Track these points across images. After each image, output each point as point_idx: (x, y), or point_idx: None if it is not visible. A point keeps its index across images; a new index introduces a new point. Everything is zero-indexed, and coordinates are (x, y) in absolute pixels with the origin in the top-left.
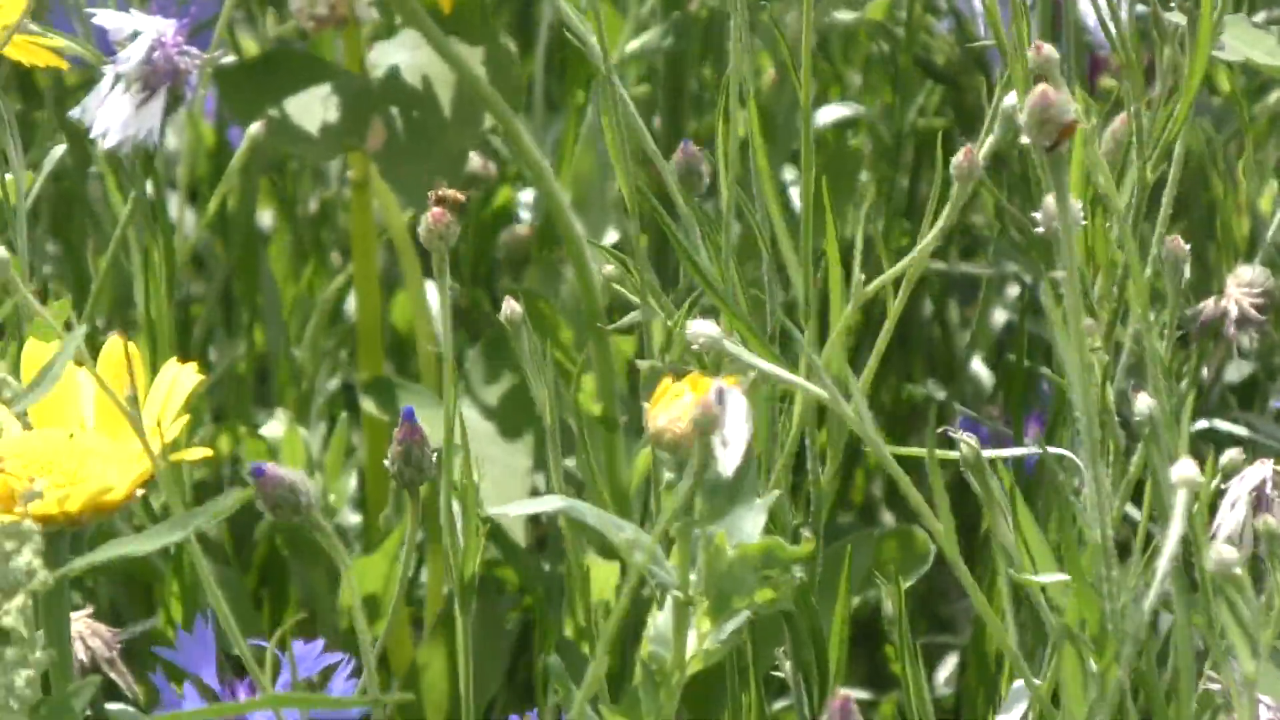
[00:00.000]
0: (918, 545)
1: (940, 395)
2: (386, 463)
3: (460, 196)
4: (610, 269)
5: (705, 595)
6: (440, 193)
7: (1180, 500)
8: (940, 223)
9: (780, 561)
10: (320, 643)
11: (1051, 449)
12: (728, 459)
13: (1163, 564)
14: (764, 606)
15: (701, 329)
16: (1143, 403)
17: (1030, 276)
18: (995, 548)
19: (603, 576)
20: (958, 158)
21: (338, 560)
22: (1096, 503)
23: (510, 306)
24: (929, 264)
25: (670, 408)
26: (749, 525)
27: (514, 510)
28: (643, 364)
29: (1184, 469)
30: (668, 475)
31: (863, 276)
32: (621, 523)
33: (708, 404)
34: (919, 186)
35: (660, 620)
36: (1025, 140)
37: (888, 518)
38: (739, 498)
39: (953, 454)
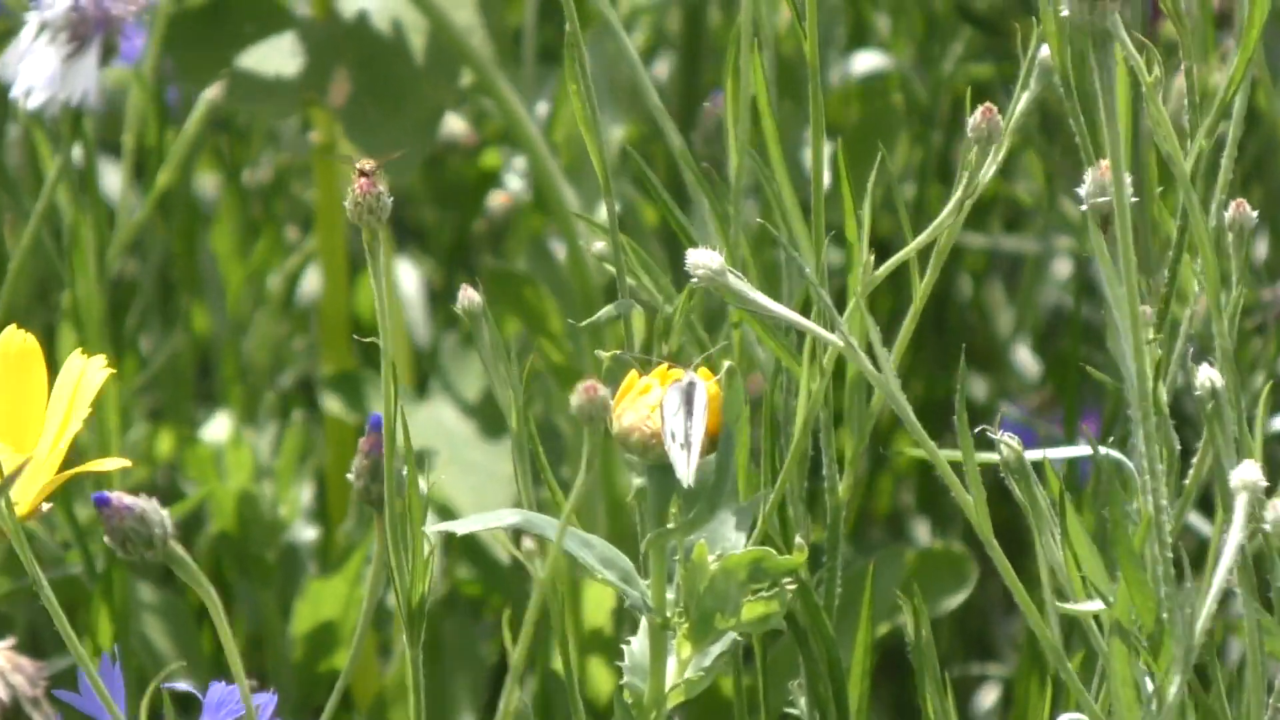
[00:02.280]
0: (959, 564)
1: (981, 389)
2: (350, 475)
3: (373, 165)
4: (601, 245)
5: (685, 616)
6: (362, 164)
7: (1239, 504)
8: (961, 191)
9: (770, 574)
10: (243, 685)
11: (1103, 451)
12: (682, 463)
13: (1219, 574)
14: (752, 626)
15: (701, 259)
16: (1205, 374)
17: (1084, 251)
18: (1041, 559)
19: (595, 599)
20: (975, 117)
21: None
22: (1154, 512)
23: (467, 296)
24: (967, 238)
25: (637, 404)
26: (732, 534)
27: (462, 526)
28: (603, 355)
29: (1246, 471)
30: (636, 481)
31: (871, 257)
32: (589, 538)
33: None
34: (954, 146)
35: (636, 646)
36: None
37: (921, 532)
38: (720, 503)
39: (993, 456)
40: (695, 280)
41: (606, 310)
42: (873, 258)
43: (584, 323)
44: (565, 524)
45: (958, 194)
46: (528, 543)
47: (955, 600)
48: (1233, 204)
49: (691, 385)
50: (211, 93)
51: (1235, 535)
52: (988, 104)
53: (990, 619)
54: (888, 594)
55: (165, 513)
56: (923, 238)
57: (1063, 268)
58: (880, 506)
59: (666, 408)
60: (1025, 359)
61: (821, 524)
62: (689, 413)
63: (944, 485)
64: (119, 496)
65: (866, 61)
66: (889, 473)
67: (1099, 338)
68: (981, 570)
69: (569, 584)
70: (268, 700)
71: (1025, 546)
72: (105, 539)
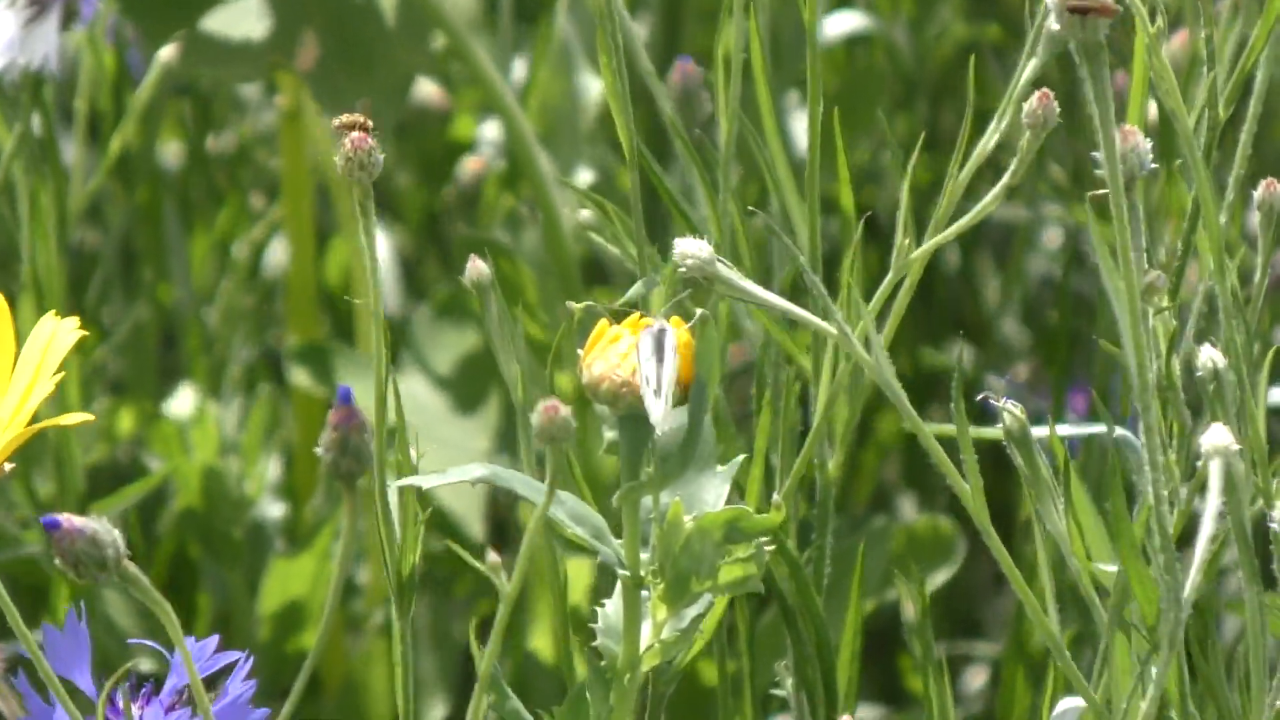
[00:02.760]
0: (944, 538)
1: (967, 360)
2: (319, 449)
3: (368, 123)
4: (586, 214)
5: (660, 576)
6: (350, 119)
7: (1215, 471)
8: (1007, 177)
9: (747, 534)
10: (214, 639)
11: (1098, 426)
12: (656, 408)
13: (1201, 542)
14: (729, 588)
15: (689, 248)
16: (1206, 355)
17: (1074, 221)
18: (1039, 536)
19: (574, 575)
20: (1031, 103)
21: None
22: (1154, 485)
23: (476, 267)
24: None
25: (607, 353)
26: (709, 494)
27: (428, 482)
28: (574, 305)
29: (1216, 435)
30: (607, 434)
31: (908, 241)
32: (560, 494)
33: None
34: (942, 114)
35: (610, 607)
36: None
37: (905, 507)
38: (693, 457)
39: (987, 431)
40: (683, 271)
41: (636, 288)
42: (860, 233)
43: (619, 302)
44: (551, 491)
45: (1004, 180)
46: (492, 556)
47: (942, 577)
48: (1263, 184)
49: (663, 331)
50: (167, 54)
51: (1213, 503)
52: (1044, 90)
53: (977, 597)
54: (874, 571)
55: (117, 533)
56: (965, 221)
57: (1053, 237)
58: (864, 480)
59: (641, 352)
60: (1013, 330)
61: (809, 500)
62: (660, 358)
63: (929, 459)
64: (69, 519)
65: (846, 22)
66: (873, 445)
67: (1089, 310)
68: (968, 547)
69: (549, 563)
70: (241, 661)
71: (1011, 523)
72: (56, 563)
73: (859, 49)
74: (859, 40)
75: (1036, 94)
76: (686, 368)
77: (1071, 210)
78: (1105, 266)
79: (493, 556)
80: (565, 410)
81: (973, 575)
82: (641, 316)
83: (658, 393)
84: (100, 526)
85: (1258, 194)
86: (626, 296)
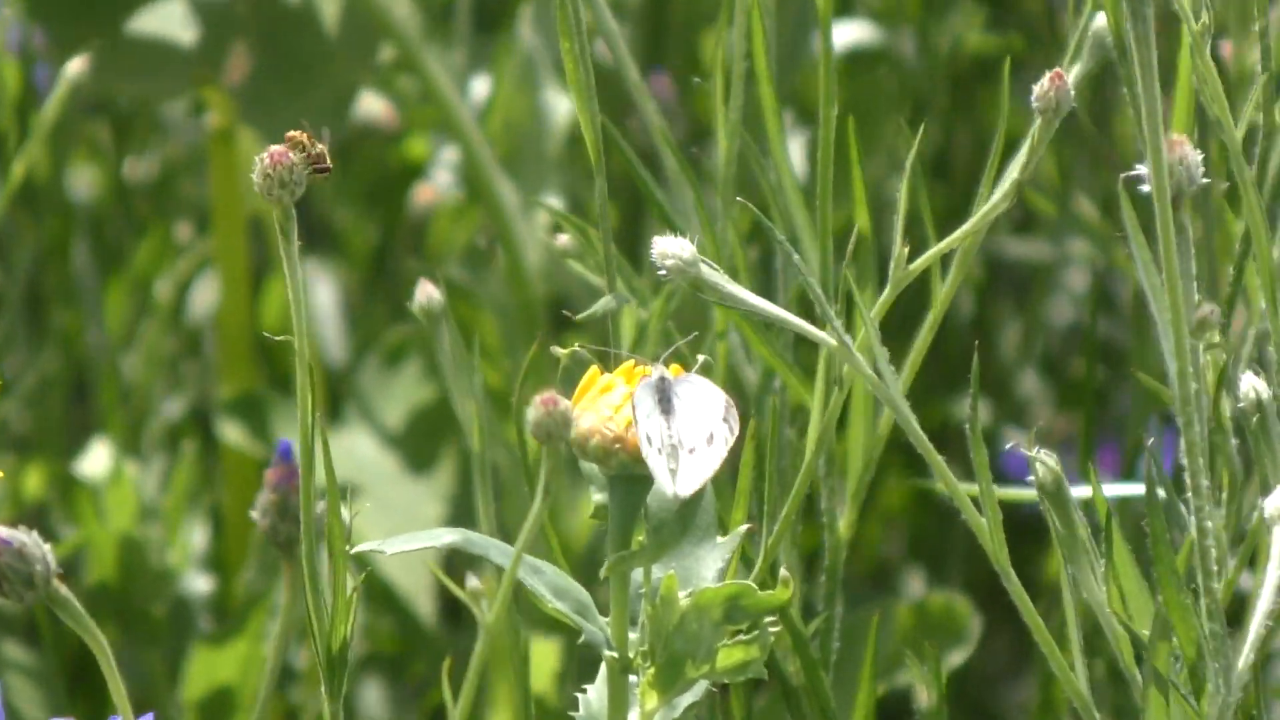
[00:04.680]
0: (958, 616)
1: (983, 415)
2: (254, 513)
3: (311, 139)
4: (563, 239)
5: (650, 659)
6: (293, 135)
7: (1277, 539)
8: (1018, 171)
9: (750, 613)
10: None
11: (1136, 485)
12: (665, 471)
13: (1257, 619)
14: (729, 674)
15: (670, 247)
16: (1248, 384)
17: (1104, 259)
18: (1071, 603)
19: (540, 657)
20: (1042, 83)
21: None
22: (1201, 554)
23: (426, 291)
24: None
25: (598, 404)
26: (708, 568)
27: (391, 546)
28: (559, 351)
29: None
30: (596, 497)
31: (906, 249)
32: (539, 564)
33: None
34: (955, 136)
35: (592, 694)
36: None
37: (911, 583)
38: (694, 531)
39: (1014, 492)
40: (663, 273)
41: (604, 302)
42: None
43: (581, 315)
44: (521, 549)
45: (1013, 175)
46: (473, 580)
47: (955, 659)
48: None
49: (664, 381)
50: (79, 66)
51: (1272, 576)
52: (1056, 70)
53: (994, 682)
54: (880, 651)
55: (48, 548)
56: (970, 226)
57: (1078, 279)
58: (866, 551)
59: (638, 409)
60: (1033, 382)
61: (806, 565)
62: (666, 410)
63: (938, 528)
64: None
65: (850, 33)
66: (875, 513)
67: (1118, 358)
68: (984, 626)
69: (512, 640)
70: None
71: (1033, 594)
72: None
73: (861, 65)
74: (861, 56)
75: (1047, 75)
76: None
77: (1101, 247)
78: (1149, 284)
79: (473, 581)
80: (564, 403)
81: (987, 658)
82: (637, 364)
83: (663, 452)
84: (29, 540)
85: None
86: (591, 310)
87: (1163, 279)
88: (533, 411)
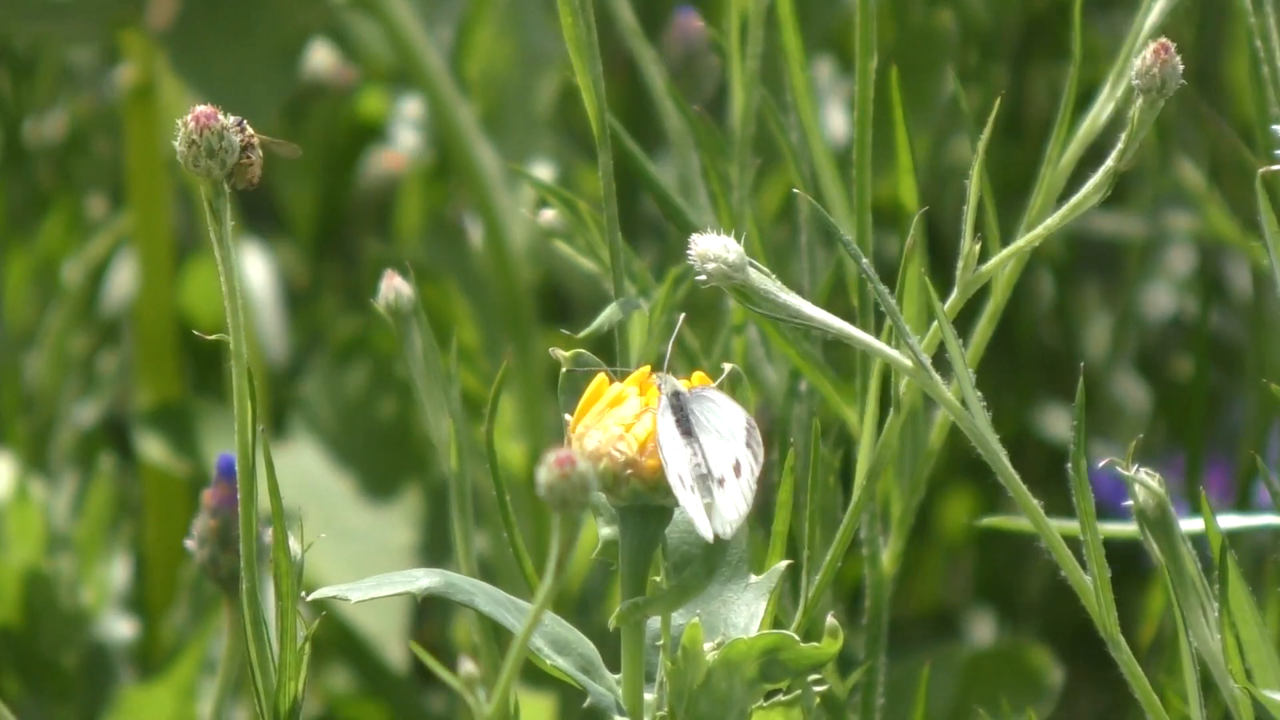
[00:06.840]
0: (1034, 667)
1: (1063, 426)
2: (190, 543)
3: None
4: (549, 214)
5: None
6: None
7: None
8: (1113, 159)
9: (790, 669)
10: None
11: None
12: (725, 511)
13: None
14: None
15: (713, 247)
16: None
17: (1212, 237)
18: (1186, 652)
19: (531, 715)
20: (1145, 56)
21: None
22: None
23: (393, 285)
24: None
25: (604, 420)
26: (740, 614)
27: (356, 592)
28: (560, 354)
29: None
30: (603, 531)
31: (977, 247)
32: (528, 606)
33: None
34: (1029, 86)
35: None
36: None
37: (977, 627)
38: (723, 571)
39: (1114, 527)
40: (703, 278)
41: (609, 313)
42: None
43: (584, 332)
44: (537, 615)
45: (1109, 162)
46: (468, 666)
47: (1038, 712)
48: None
49: (680, 398)
50: None
51: None
52: (1161, 41)
53: None
54: (938, 708)
55: None
56: (1055, 220)
57: (1181, 259)
58: (922, 586)
59: (665, 448)
60: (1126, 384)
61: (846, 605)
62: (686, 433)
63: (1009, 561)
64: None
65: None
66: (932, 541)
67: (1231, 358)
68: (1067, 680)
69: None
70: None
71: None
72: None
73: (914, 3)
74: None
75: (1152, 45)
76: None
77: (1208, 221)
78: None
79: (468, 666)
80: (584, 464)
81: (1070, 714)
82: (652, 371)
83: (697, 489)
84: None
85: None
86: (595, 324)
87: None
88: (544, 473)
